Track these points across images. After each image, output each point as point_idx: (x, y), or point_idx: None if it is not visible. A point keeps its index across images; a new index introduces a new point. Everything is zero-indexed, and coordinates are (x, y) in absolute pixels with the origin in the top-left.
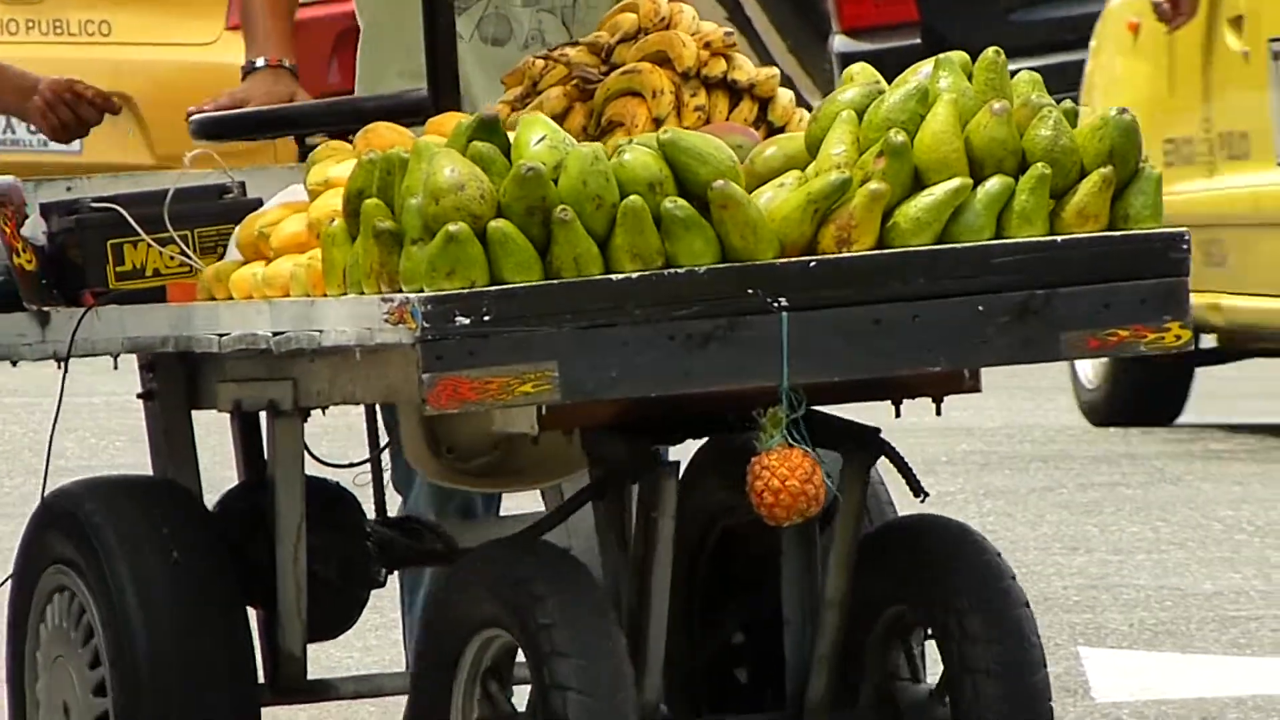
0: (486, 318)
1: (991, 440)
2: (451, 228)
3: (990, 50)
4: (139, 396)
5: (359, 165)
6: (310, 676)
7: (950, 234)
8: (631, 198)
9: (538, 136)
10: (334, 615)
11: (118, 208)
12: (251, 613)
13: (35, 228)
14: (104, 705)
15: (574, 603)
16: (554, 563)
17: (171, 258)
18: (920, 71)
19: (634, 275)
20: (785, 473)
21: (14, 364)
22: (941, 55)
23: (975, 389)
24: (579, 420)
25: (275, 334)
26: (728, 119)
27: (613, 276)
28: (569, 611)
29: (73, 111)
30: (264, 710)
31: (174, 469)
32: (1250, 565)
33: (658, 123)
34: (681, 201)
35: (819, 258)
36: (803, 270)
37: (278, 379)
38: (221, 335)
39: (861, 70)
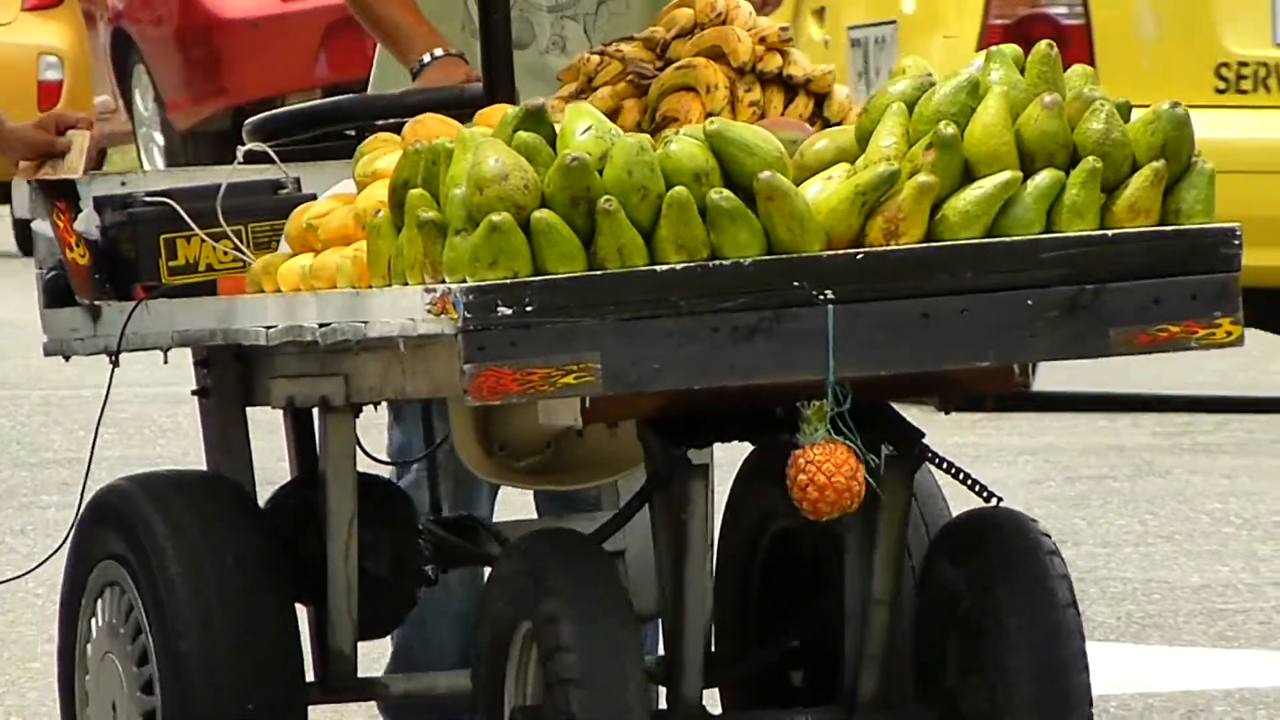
0: (529, 308)
1: (980, 433)
2: (495, 218)
3: (1043, 43)
4: (194, 393)
5: (404, 156)
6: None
7: (1000, 227)
8: (677, 188)
9: (584, 126)
10: (385, 613)
11: (171, 202)
12: (302, 610)
13: (89, 222)
14: (152, 703)
15: (582, 597)
16: (572, 557)
17: (225, 253)
18: (973, 64)
19: (678, 266)
20: (831, 468)
21: (66, 359)
22: (993, 48)
23: (1026, 385)
24: (623, 413)
25: (321, 326)
26: (783, 114)
27: (657, 268)
28: (576, 606)
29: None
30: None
31: (228, 465)
32: (1238, 558)
33: (711, 118)
34: (727, 193)
35: (866, 250)
36: (849, 262)
37: (329, 375)
38: (268, 328)
39: (914, 63)
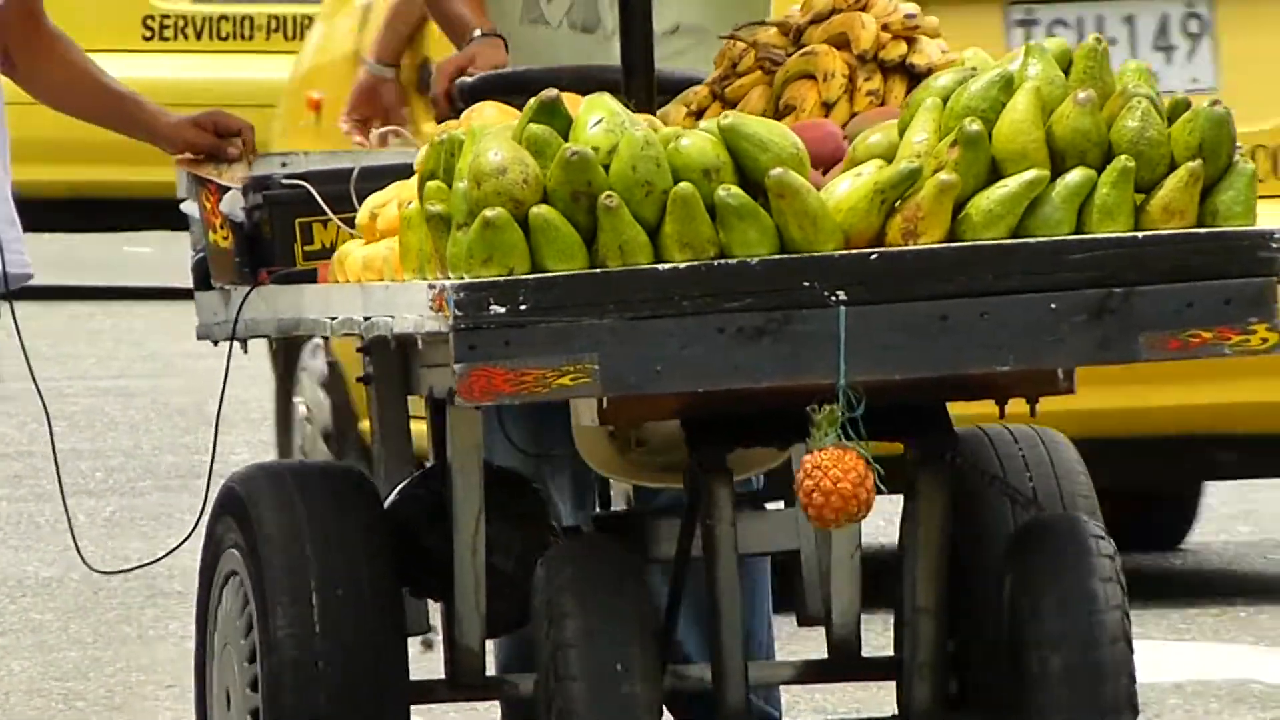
0: (523, 307)
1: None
2: (489, 213)
3: (1091, 37)
4: (358, 380)
5: (430, 146)
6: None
7: (1026, 228)
8: (681, 184)
9: (595, 119)
10: (514, 610)
11: (306, 185)
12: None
13: (233, 203)
14: (256, 702)
15: (591, 595)
16: (592, 557)
17: (353, 236)
18: (1016, 59)
19: (682, 265)
20: (838, 474)
21: (214, 344)
22: (1034, 42)
23: (1069, 390)
24: (642, 414)
25: (365, 319)
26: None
27: (659, 266)
28: (584, 604)
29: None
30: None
31: (387, 455)
32: (1189, 552)
33: (827, 107)
34: (735, 189)
35: (881, 250)
36: (863, 262)
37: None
38: (332, 319)
39: (974, 54)
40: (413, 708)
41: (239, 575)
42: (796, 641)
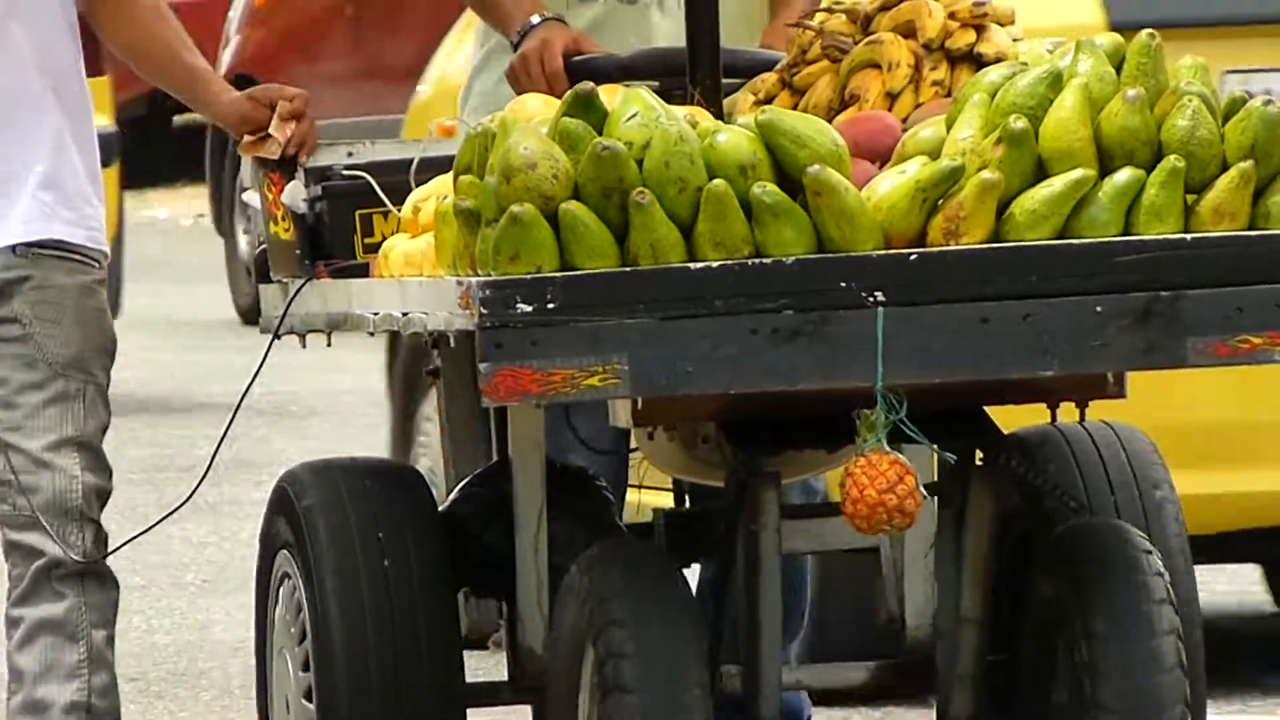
0: (551, 305)
1: None
2: (515, 209)
3: (1144, 33)
4: (427, 374)
5: (467, 139)
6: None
7: (1072, 229)
8: (715, 181)
9: (630, 113)
10: None
11: (366, 176)
12: None
13: (294, 194)
14: (312, 711)
15: (642, 603)
16: (635, 565)
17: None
18: (1066, 54)
19: (714, 264)
20: (865, 481)
21: (278, 337)
22: (1085, 37)
23: (1120, 395)
24: (675, 416)
25: (403, 315)
26: None
27: (691, 265)
28: (635, 611)
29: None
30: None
31: (454, 449)
32: None
33: (891, 97)
34: (771, 187)
35: (921, 250)
36: (902, 263)
37: None
38: (375, 315)
39: (1029, 48)
40: (476, 711)
41: (292, 578)
42: None
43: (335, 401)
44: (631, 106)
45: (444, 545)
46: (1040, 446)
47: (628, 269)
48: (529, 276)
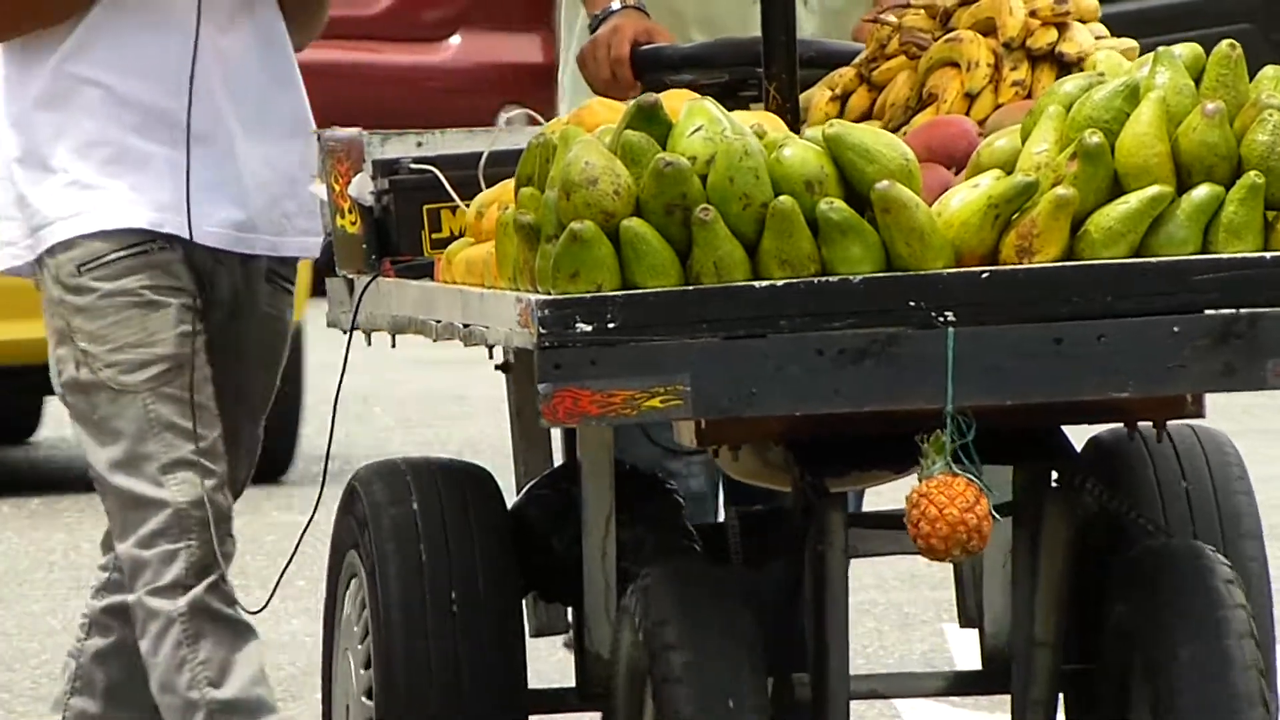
0: (611, 325)
1: None
2: (576, 226)
3: (1225, 44)
4: (498, 368)
5: (528, 149)
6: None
7: (1149, 247)
8: (781, 198)
9: (694, 126)
10: None
11: (434, 170)
12: None
13: (361, 186)
14: (371, 711)
15: (699, 628)
16: (694, 585)
17: None
18: (1144, 65)
19: (780, 283)
20: (944, 501)
21: (345, 332)
22: (1164, 48)
23: (1199, 414)
24: (739, 437)
25: (465, 325)
26: None
27: (756, 283)
28: (691, 637)
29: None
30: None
31: (524, 446)
32: None
33: (970, 97)
34: (839, 203)
35: (993, 268)
36: (973, 282)
37: None
38: (437, 322)
39: (1105, 57)
40: (540, 717)
41: (358, 578)
42: None
43: (315, 397)
44: (696, 119)
45: (511, 547)
46: (1117, 457)
47: (690, 288)
48: (589, 295)
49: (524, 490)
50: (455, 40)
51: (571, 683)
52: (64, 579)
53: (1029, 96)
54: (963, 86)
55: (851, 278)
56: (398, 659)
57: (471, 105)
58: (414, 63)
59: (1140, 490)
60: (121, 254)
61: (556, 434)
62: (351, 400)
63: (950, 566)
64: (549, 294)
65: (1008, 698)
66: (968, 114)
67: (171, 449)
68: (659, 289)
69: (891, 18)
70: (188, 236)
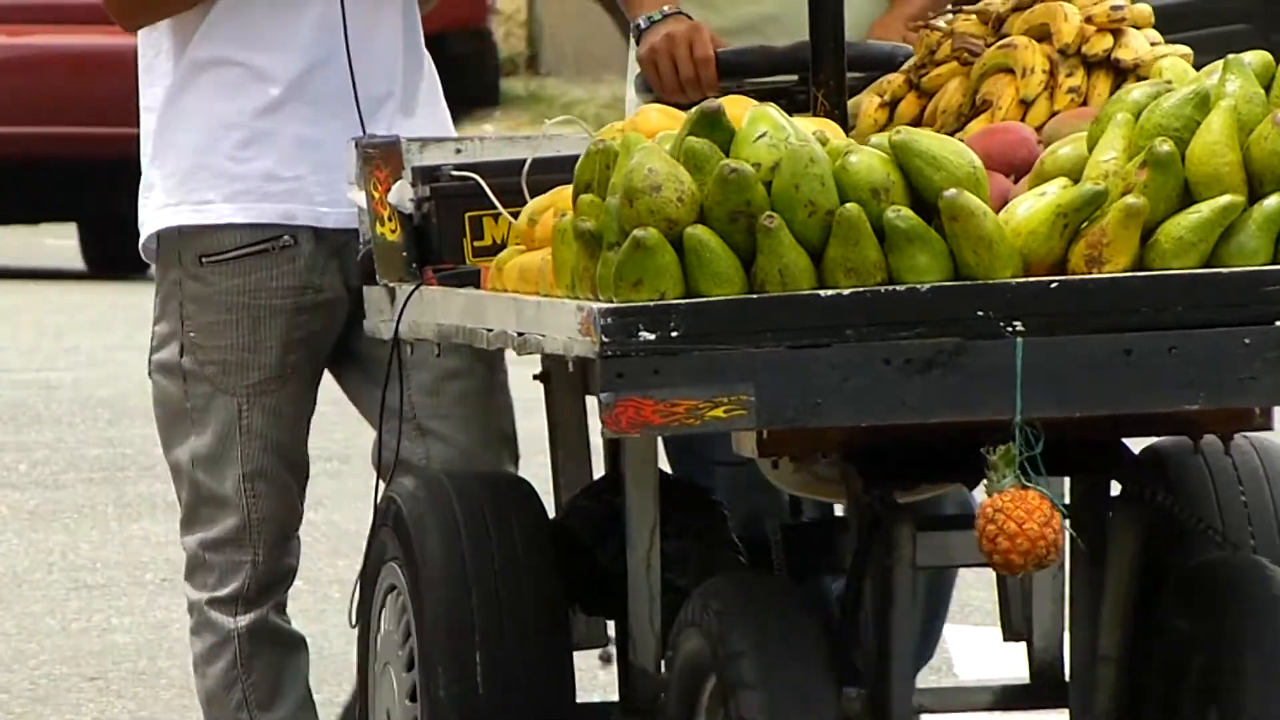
0: (675, 333)
1: None
2: (639, 233)
3: None
4: (535, 378)
5: (586, 155)
6: None
7: (1219, 257)
8: (847, 205)
9: (759, 132)
10: None
11: (476, 177)
12: None
13: (401, 193)
14: (415, 712)
15: (768, 633)
16: (760, 595)
17: None
18: (1214, 73)
19: (846, 291)
20: (1022, 515)
21: (385, 340)
22: (1234, 55)
23: (1266, 427)
24: (801, 448)
25: (519, 334)
26: None
27: (821, 292)
28: (760, 643)
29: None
30: None
31: (563, 456)
32: None
33: (1025, 104)
34: (905, 211)
35: (1062, 278)
36: (1042, 291)
37: None
38: (488, 330)
39: (1171, 64)
40: None
41: (398, 589)
42: None
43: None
44: (760, 126)
45: (556, 558)
46: (1176, 467)
47: (755, 296)
48: (652, 304)
49: (567, 502)
50: None
51: (603, 696)
52: (63, 580)
53: (1084, 103)
54: (1018, 93)
55: (919, 287)
56: (443, 674)
57: None
58: (111, 45)
59: (1199, 502)
60: (244, 251)
61: (596, 445)
62: (349, 401)
63: (964, 571)
64: (611, 302)
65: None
66: (1022, 121)
67: (256, 459)
68: (723, 297)
69: (941, 23)
70: (319, 226)
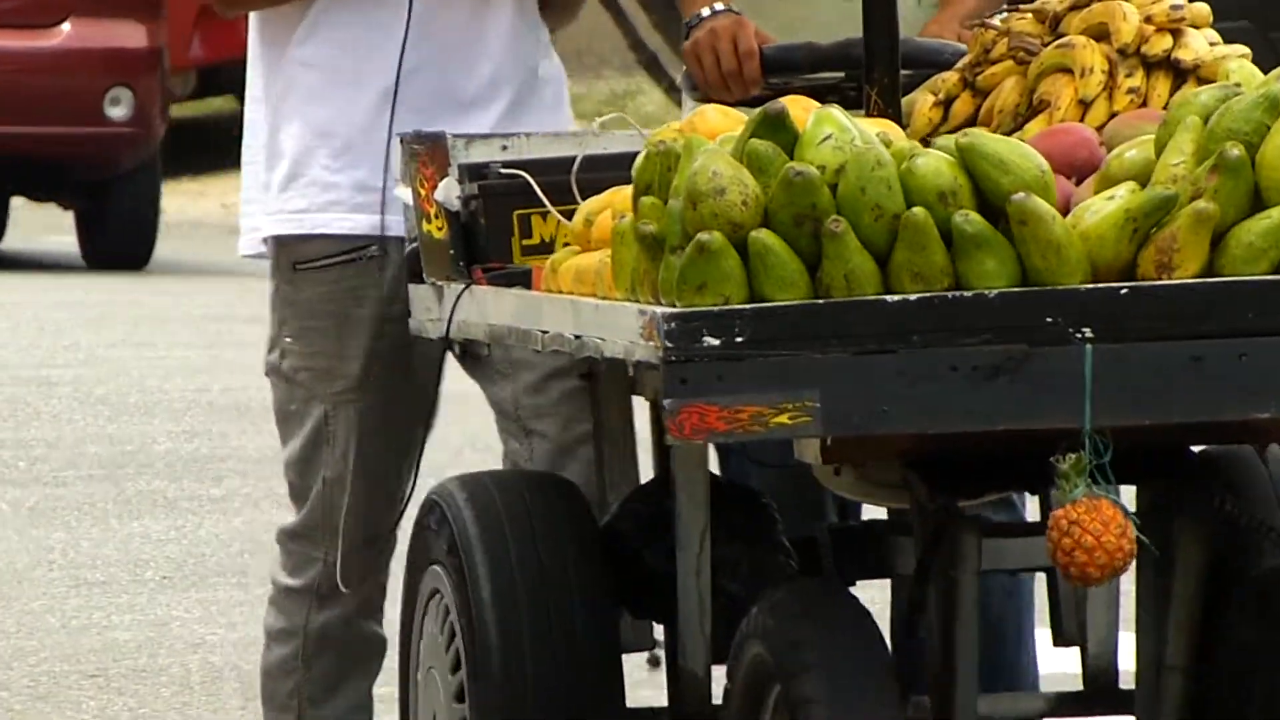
0: (739, 339)
1: None
2: (704, 237)
3: None
4: (581, 377)
5: (646, 157)
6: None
7: None
8: (915, 209)
9: (824, 134)
10: None
11: (524, 175)
12: None
13: (448, 191)
14: (463, 712)
15: (834, 644)
16: (826, 606)
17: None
18: None
19: (912, 297)
20: (1098, 527)
21: (433, 340)
22: None
23: None
24: (866, 455)
25: (576, 337)
26: (1167, 105)
27: (888, 298)
28: (828, 652)
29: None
30: None
31: (608, 456)
32: None
33: (1084, 105)
34: (973, 215)
35: (1132, 284)
36: (1112, 297)
37: None
38: (543, 333)
39: (1239, 67)
40: None
41: (441, 593)
42: None
43: None
44: (825, 128)
45: (605, 561)
46: (1235, 473)
47: (820, 301)
48: (716, 308)
49: (617, 504)
50: (66, 27)
51: (647, 700)
52: (63, 578)
53: (1143, 104)
54: (1076, 93)
55: (987, 292)
56: (493, 678)
57: (80, 88)
58: (25, 48)
59: (1265, 508)
60: (334, 260)
61: (642, 447)
62: None
63: None
64: (674, 306)
65: None
66: (1081, 121)
67: (335, 466)
68: (788, 302)
69: (996, 22)
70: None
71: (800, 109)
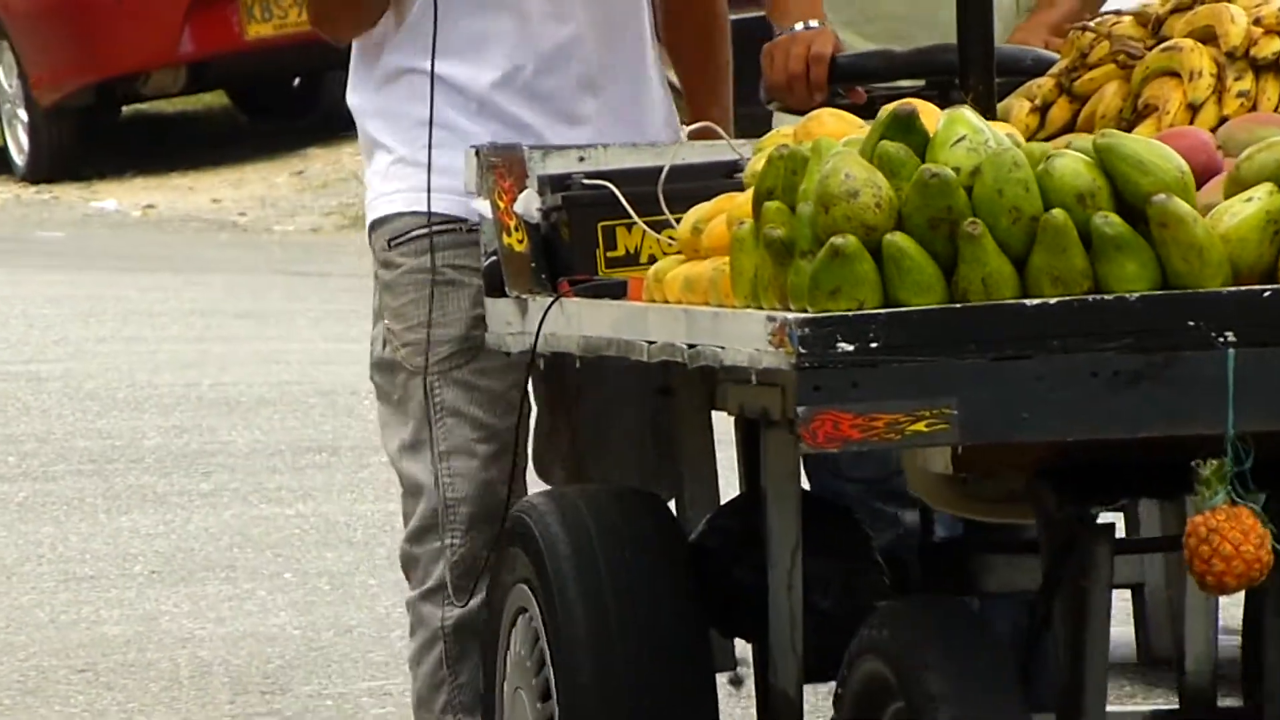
0: (874, 344)
1: None
2: (838, 241)
3: None
4: (658, 392)
5: (768, 162)
6: None
7: None
8: (1054, 211)
9: (957, 136)
10: (834, 651)
11: (609, 185)
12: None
13: (528, 203)
14: None
15: (957, 659)
16: (944, 616)
17: (670, 242)
18: None
19: (1052, 301)
20: (1238, 536)
21: (508, 354)
22: None
23: None
24: (999, 464)
25: (689, 347)
26: (1277, 108)
27: (1027, 302)
28: (951, 668)
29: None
30: None
31: (688, 474)
32: None
33: (1193, 109)
34: (1114, 217)
35: (1274, 287)
36: (1254, 301)
37: (769, 384)
38: (650, 343)
39: None
40: None
41: (529, 612)
42: None
43: (282, 392)
44: (958, 129)
45: (695, 579)
46: None
47: (957, 305)
48: (851, 313)
49: (704, 520)
50: None
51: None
52: (52, 572)
53: (1254, 108)
54: (1185, 97)
55: (1128, 296)
56: (585, 699)
57: None
58: None
59: None
60: (428, 230)
61: (721, 461)
62: (340, 393)
63: None
64: (806, 312)
65: None
66: (1190, 125)
67: (450, 435)
68: (924, 307)
69: (1093, 24)
70: None
71: (840, 123)
